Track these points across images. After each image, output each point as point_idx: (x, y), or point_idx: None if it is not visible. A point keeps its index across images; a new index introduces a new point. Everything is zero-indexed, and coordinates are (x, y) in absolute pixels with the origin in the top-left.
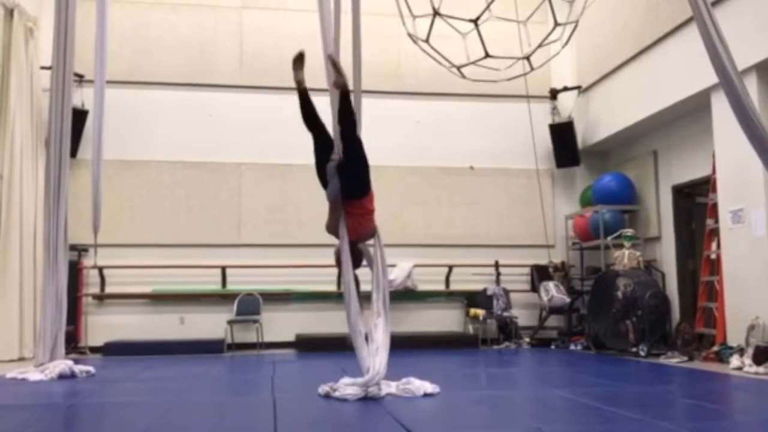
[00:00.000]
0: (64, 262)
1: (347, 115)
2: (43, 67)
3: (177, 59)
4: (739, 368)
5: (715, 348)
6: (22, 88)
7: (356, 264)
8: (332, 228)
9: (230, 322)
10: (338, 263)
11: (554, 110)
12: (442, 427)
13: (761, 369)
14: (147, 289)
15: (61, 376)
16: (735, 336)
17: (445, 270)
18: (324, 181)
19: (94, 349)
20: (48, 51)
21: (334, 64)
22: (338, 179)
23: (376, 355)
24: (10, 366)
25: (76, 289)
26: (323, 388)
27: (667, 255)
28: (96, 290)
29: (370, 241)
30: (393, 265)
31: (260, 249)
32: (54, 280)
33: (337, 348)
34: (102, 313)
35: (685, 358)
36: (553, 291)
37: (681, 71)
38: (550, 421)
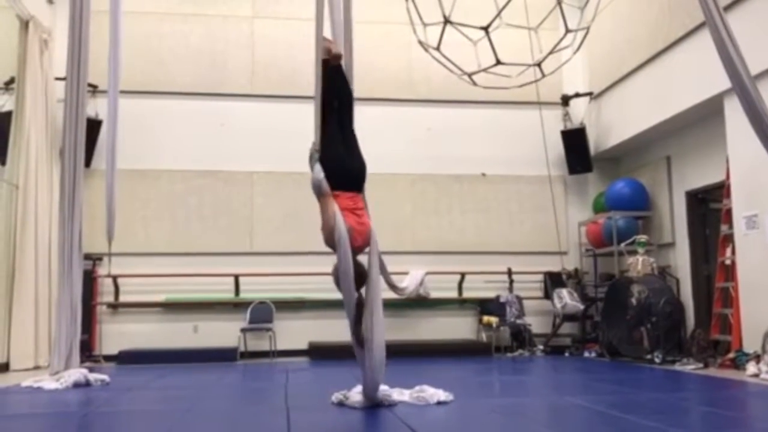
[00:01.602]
0: (78, 271)
1: (346, 88)
2: (57, 78)
3: (189, 69)
4: (756, 375)
5: (731, 355)
6: (37, 99)
7: (360, 283)
8: (330, 236)
9: (243, 331)
10: (339, 284)
11: (566, 117)
12: None
13: None
14: (160, 298)
15: (76, 385)
16: (751, 342)
17: (458, 277)
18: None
19: (108, 358)
20: (62, 62)
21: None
22: (320, 167)
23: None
24: (26, 375)
25: (90, 297)
26: (336, 396)
27: (681, 261)
28: (110, 299)
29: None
30: (405, 273)
31: (273, 257)
32: (68, 289)
33: (350, 356)
34: (116, 321)
35: (701, 365)
36: (566, 298)
37: (693, 76)
38: (565, 429)
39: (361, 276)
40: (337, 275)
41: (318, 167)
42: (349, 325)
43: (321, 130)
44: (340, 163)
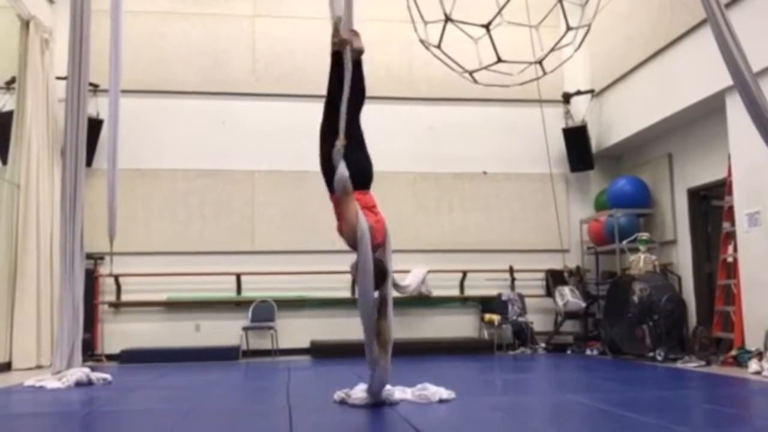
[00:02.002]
0: (80, 270)
1: (361, 84)
2: (58, 78)
3: (190, 68)
4: (758, 372)
5: (733, 352)
6: (38, 99)
7: (380, 281)
8: (353, 234)
9: (245, 329)
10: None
11: (567, 114)
12: None
13: None
14: (162, 297)
15: (78, 384)
16: (753, 340)
17: (459, 276)
18: (329, 171)
19: (110, 357)
20: (63, 61)
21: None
22: (345, 165)
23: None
24: (28, 374)
25: (92, 297)
26: (338, 395)
27: (683, 259)
28: (112, 298)
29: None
30: (407, 271)
31: (274, 256)
32: (70, 289)
33: (352, 354)
34: (118, 320)
35: (703, 363)
36: (568, 296)
37: (695, 74)
38: (568, 427)
39: (383, 274)
40: (356, 273)
41: (343, 165)
42: (364, 324)
43: (337, 127)
44: (355, 162)
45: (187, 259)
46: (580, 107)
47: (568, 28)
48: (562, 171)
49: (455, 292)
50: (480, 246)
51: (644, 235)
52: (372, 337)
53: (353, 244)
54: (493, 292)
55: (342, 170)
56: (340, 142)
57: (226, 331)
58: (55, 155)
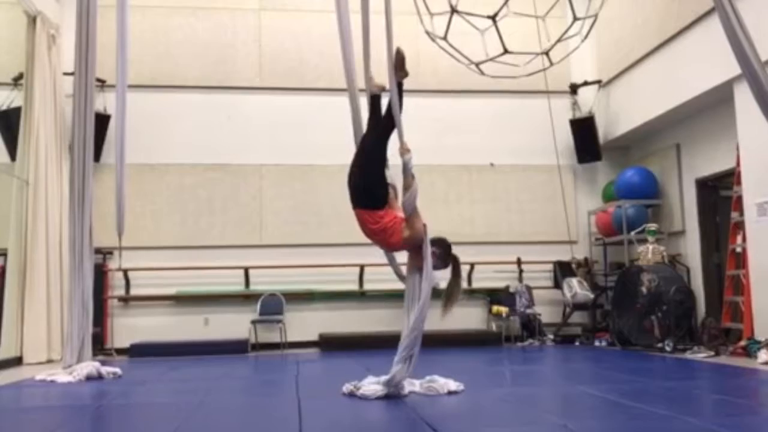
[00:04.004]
0: (89, 265)
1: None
2: (65, 73)
3: (197, 63)
4: (767, 363)
5: (742, 342)
6: (45, 94)
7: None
8: (415, 241)
9: (254, 323)
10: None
11: (575, 105)
12: (468, 424)
13: None
14: (171, 291)
15: (89, 378)
16: (762, 330)
17: (467, 268)
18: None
19: (120, 351)
20: (70, 57)
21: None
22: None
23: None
24: (39, 368)
25: (101, 291)
26: (347, 387)
27: (691, 249)
28: (121, 293)
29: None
30: None
31: (282, 249)
32: (80, 284)
33: (361, 347)
34: (127, 315)
35: (712, 353)
36: (576, 287)
37: (703, 63)
38: (577, 418)
39: (450, 253)
40: (420, 269)
41: (416, 181)
42: (419, 320)
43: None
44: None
45: (195, 253)
46: (588, 98)
47: (575, 19)
48: (569, 162)
49: (463, 284)
50: (487, 238)
51: (652, 226)
52: (421, 331)
53: (410, 247)
54: (501, 284)
55: (416, 186)
56: (408, 154)
57: (234, 325)
58: (63, 151)
